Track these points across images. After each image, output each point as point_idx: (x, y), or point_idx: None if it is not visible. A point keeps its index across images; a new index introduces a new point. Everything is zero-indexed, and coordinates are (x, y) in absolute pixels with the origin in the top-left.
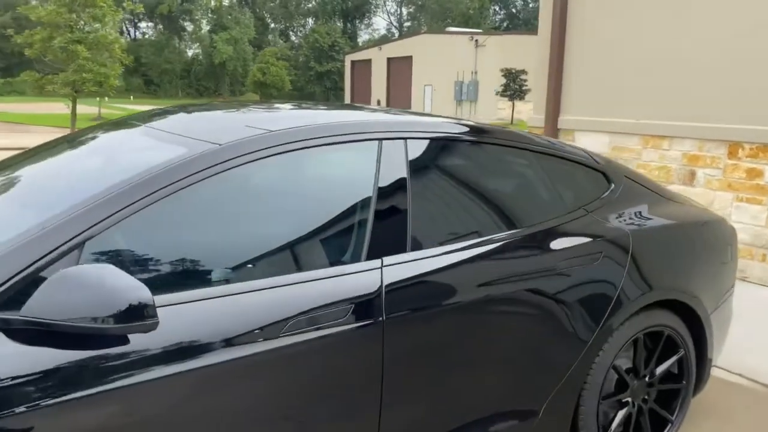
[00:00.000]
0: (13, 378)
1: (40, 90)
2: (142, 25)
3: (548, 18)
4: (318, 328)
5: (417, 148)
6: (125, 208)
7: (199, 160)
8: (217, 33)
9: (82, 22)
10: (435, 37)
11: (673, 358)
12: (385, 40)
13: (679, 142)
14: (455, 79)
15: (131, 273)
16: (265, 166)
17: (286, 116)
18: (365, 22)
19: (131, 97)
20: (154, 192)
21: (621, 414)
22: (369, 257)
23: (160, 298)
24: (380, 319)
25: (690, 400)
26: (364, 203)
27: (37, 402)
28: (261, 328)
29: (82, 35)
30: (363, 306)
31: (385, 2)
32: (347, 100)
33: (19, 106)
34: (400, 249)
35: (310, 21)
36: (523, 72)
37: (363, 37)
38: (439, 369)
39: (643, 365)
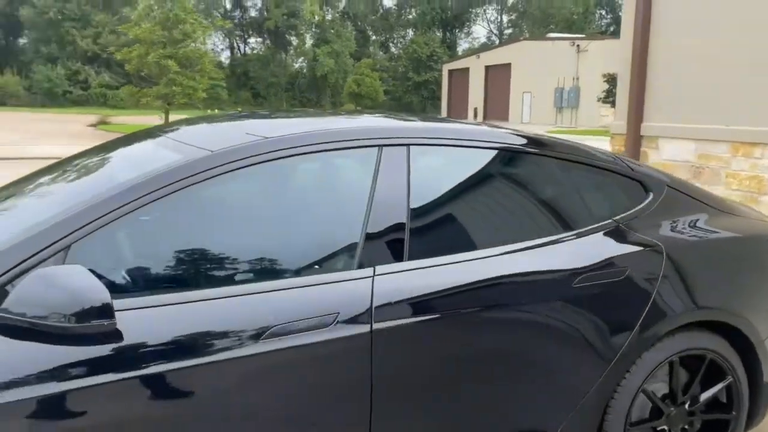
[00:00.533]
0: None
1: (136, 103)
2: (251, 40)
3: (630, 20)
4: (303, 335)
5: (421, 155)
6: (112, 212)
7: (187, 166)
8: (320, 47)
9: (174, 39)
10: (534, 43)
11: (719, 386)
12: (484, 48)
13: None
14: (555, 86)
15: (113, 274)
16: (257, 172)
17: (294, 123)
18: (465, 30)
19: (239, 109)
20: (141, 197)
21: None
22: (360, 266)
23: (144, 300)
24: (368, 329)
25: None
26: (359, 210)
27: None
28: (242, 332)
29: (173, 51)
30: (350, 314)
31: (485, 11)
32: (444, 109)
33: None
34: (397, 258)
35: (410, 32)
36: None
37: (462, 45)
38: (433, 384)
39: (680, 392)
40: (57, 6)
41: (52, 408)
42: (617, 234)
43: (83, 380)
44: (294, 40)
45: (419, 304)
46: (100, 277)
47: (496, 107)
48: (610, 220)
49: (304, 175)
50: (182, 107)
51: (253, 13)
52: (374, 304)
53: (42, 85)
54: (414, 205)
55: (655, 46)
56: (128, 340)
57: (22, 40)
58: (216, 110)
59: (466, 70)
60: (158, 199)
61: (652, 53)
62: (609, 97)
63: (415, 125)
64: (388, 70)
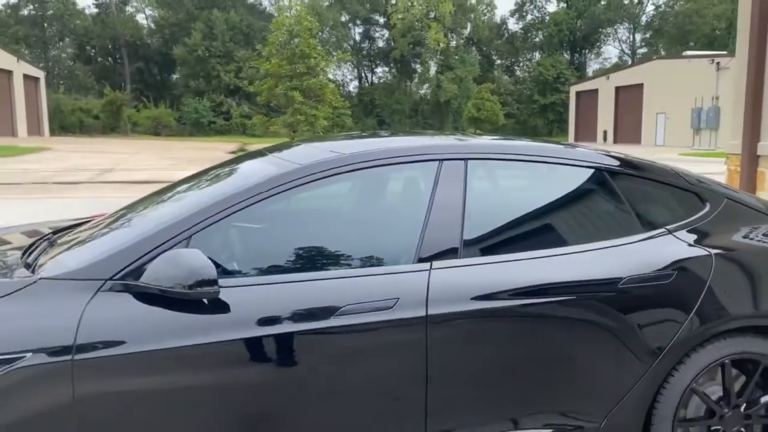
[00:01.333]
0: (128, 330)
1: (266, 130)
2: (378, 70)
3: (745, 38)
4: (369, 314)
5: (478, 169)
6: (221, 212)
7: (281, 178)
8: (443, 73)
9: (299, 72)
10: (668, 62)
11: None
12: (616, 68)
13: None
14: (692, 106)
15: (221, 257)
16: (335, 181)
17: (370, 143)
18: (594, 51)
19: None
20: (242, 202)
21: None
22: (419, 261)
23: (240, 280)
24: (423, 313)
25: None
26: (420, 213)
27: (143, 351)
28: (318, 309)
29: (299, 83)
30: (409, 300)
31: (616, 30)
32: (571, 131)
33: (258, 145)
34: (451, 255)
35: (537, 54)
36: None
37: (593, 66)
38: (481, 370)
39: (735, 394)
40: (205, 44)
41: (169, 356)
42: (667, 243)
43: (192, 337)
44: (419, 68)
45: (471, 297)
46: (211, 259)
47: (627, 129)
48: (662, 229)
49: (374, 184)
50: (306, 134)
51: (380, 44)
52: (430, 294)
53: (190, 117)
54: (469, 210)
55: None
56: (230, 309)
57: (174, 76)
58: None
59: (595, 91)
60: (257, 202)
61: None
62: None
63: (473, 142)
64: (512, 93)
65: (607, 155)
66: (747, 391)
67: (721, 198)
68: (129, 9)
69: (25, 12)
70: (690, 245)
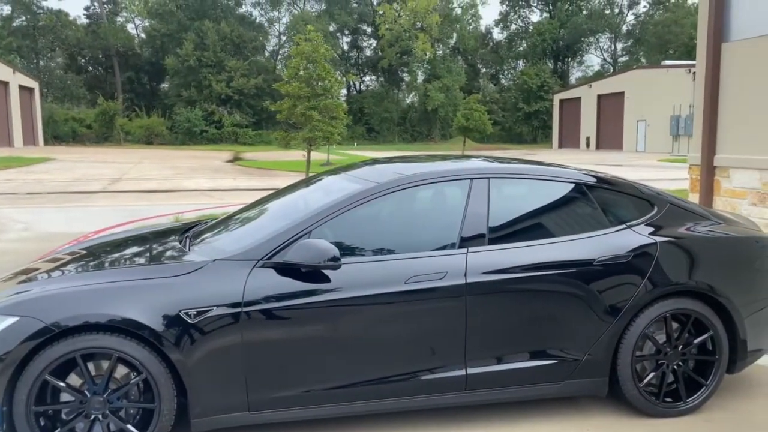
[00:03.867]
0: (276, 292)
1: (286, 144)
2: (366, 78)
3: (702, 60)
4: (427, 282)
5: (497, 185)
6: (331, 214)
7: (367, 191)
8: (431, 82)
9: (316, 93)
10: (648, 71)
11: (704, 336)
12: (597, 77)
13: None
14: (671, 114)
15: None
16: (401, 193)
17: (420, 166)
18: (577, 60)
19: (355, 143)
20: (344, 207)
21: (655, 372)
22: (460, 247)
23: (346, 259)
24: (463, 281)
25: (723, 372)
26: (459, 215)
27: (286, 305)
28: (395, 278)
29: (316, 103)
30: (454, 273)
31: (597, 39)
32: (555, 138)
33: (265, 154)
34: (480, 244)
35: (521, 63)
36: None
37: (575, 75)
38: (504, 321)
39: (674, 338)
40: (196, 54)
41: (298, 310)
42: (626, 234)
43: (315, 297)
44: (406, 77)
45: (495, 270)
46: None
47: (609, 136)
48: (623, 224)
49: (428, 195)
50: (323, 147)
51: (368, 53)
52: (468, 269)
53: (182, 126)
54: (491, 212)
55: (724, 85)
56: (341, 280)
57: (164, 85)
58: (335, 145)
59: (578, 99)
60: (352, 209)
61: (722, 91)
62: None
63: (494, 165)
64: (498, 101)
65: (587, 173)
66: (682, 335)
67: (665, 203)
68: (120, 19)
69: (16, 23)
70: (642, 236)
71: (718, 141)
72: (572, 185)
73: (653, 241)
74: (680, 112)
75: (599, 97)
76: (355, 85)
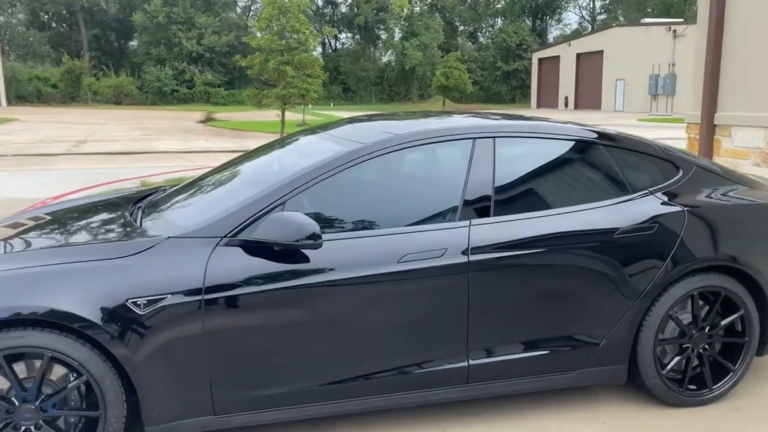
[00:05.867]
0: (243, 275)
1: (258, 102)
2: (342, 36)
3: (705, 12)
4: (425, 260)
5: (503, 145)
6: (309, 182)
7: (351, 153)
8: (408, 40)
9: (290, 47)
10: (628, 29)
11: (734, 316)
12: (576, 35)
13: None
14: (650, 73)
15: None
16: (393, 156)
17: (414, 123)
18: (555, 18)
19: (331, 104)
20: (324, 173)
21: (678, 357)
22: (461, 219)
23: (327, 236)
24: (466, 259)
25: (753, 355)
26: (460, 182)
27: (256, 291)
28: (387, 256)
29: (290, 57)
30: (455, 249)
31: None
32: (533, 97)
33: (239, 114)
34: (485, 215)
35: (499, 21)
36: None
37: (553, 33)
38: (510, 301)
39: (701, 318)
40: (165, 10)
41: (272, 296)
42: (649, 201)
43: (292, 281)
44: (383, 35)
45: (502, 246)
46: None
47: (588, 95)
48: (646, 191)
49: (424, 159)
50: (296, 105)
51: (343, 9)
52: (470, 244)
53: (152, 85)
54: (497, 178)
55: (728, 40)
56: (322, 260)
57: (132, 43)
58: (310, 105)
59: (557, 58)
60: (334, 175)
61: (725, 45)
62: None
63: (500, 123)
64: (476, 60)
65: (604, 132)
66: (710, 316)
67: (692, 166)
68: None
69: None
70: (668, 203)
71: (720, 98)
72: (589, 145)
73: (681, 209)
74: (659, 71)
75: (578, 55)
76: (330, 43)
